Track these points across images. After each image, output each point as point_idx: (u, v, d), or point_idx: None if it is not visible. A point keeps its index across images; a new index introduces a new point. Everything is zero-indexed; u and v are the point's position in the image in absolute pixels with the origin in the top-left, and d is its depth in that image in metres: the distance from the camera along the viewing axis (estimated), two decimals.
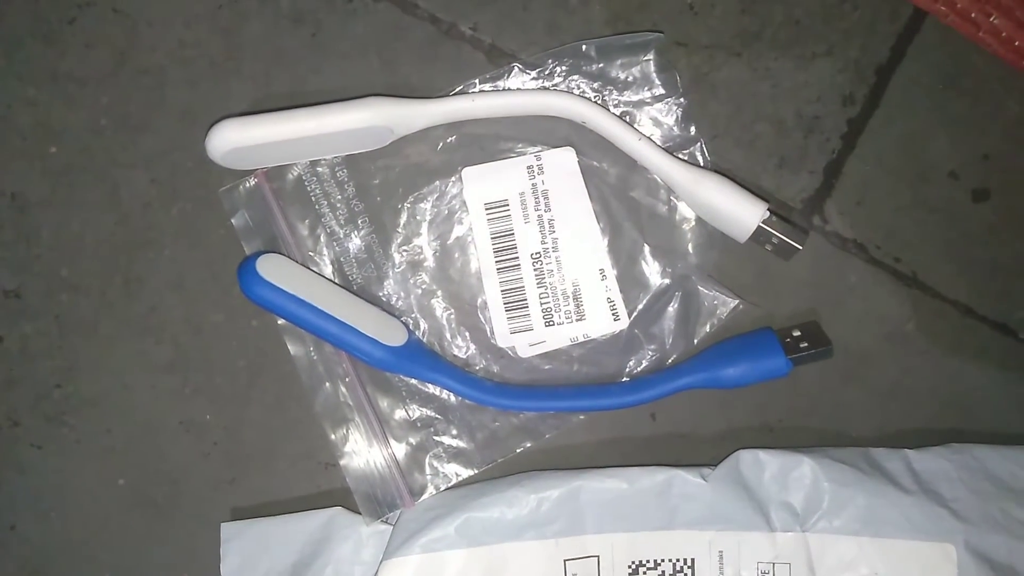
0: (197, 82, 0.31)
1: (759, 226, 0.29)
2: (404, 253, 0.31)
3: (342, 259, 0.31)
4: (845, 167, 0.32)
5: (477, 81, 0.31)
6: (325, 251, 0.31)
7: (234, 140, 0.29)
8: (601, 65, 0.31)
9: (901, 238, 0.32)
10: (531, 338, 0.31)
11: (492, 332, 0.31)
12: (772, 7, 0.32)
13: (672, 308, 0.31)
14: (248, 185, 0.31)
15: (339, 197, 0.31)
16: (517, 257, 0.31)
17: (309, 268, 0.31)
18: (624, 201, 0.31)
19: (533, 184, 0.31)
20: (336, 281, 0.31)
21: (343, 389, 0.31)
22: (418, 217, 0.31)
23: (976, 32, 0.31)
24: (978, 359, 0.32)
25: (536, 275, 0.31)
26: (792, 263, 0.31)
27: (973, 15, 0.31)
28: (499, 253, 0.31)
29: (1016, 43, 0.31)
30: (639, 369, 0.31)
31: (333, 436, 0.31)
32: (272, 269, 0.29)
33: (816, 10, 0.32)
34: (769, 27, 0.32)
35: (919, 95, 0.32)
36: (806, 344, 0.30)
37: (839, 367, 0.32)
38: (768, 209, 0.29)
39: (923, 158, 0.32)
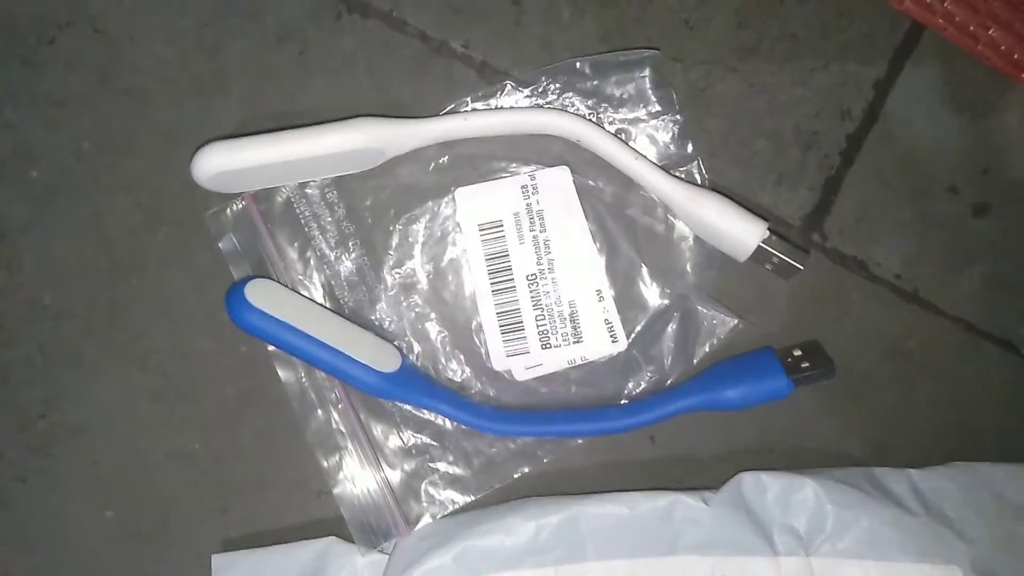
0: (182, 102, 0.31)
1: (759, 246, 0.29)
2: (396, 275, 0.31)
3: (333, 282, 0.31)
4: (844, 183, 0.31)
5: (469, 99, 0.30)
6: (315, 274, 0.31)
7: (220, 164, 0.28)
8: (596, 82, 0.30)
9: (901, 254, 0.32)
10: (527, 361, 0.31)
11: (487, 355, 0.31)
12: (768, 21, 0.31)
13: (671, 328, 0.31)
14: (235, 208, 0.30)
15: (329, 219, 0.31)
16: (512, 279, 0.31)
17: (299, 293, 0.30)
18: (620, 220, 0.31)
19: (528, 204, 0.30)
20: (327, 306, 0.30)
21: (335, 415, 0.31)
22: (410, 239, 0.31)
23: (975, 45, 0.31)
24: (981, 376, 0.32)
25: (532, 297, 0.31)
26: (792, 281, 0.30)
27: (971, 28, 0.31)
28: (494, 275, 0.31)
29: (1015, 56, 0.31)
30: (638, 391, 0.31)
31: (326, 464, 0.31)
32: (261, 295, 0.28)
33: (813, 24, 0.31)
34: (766, 42, 0.31)
35: (918, 109, 0.31)
36: (807, 364, 0.30)
37: (840, 385, 0.32)
38: (768, 228, 0.29)
39: (923, 173, 0.32)
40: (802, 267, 0.29)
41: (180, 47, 0.31)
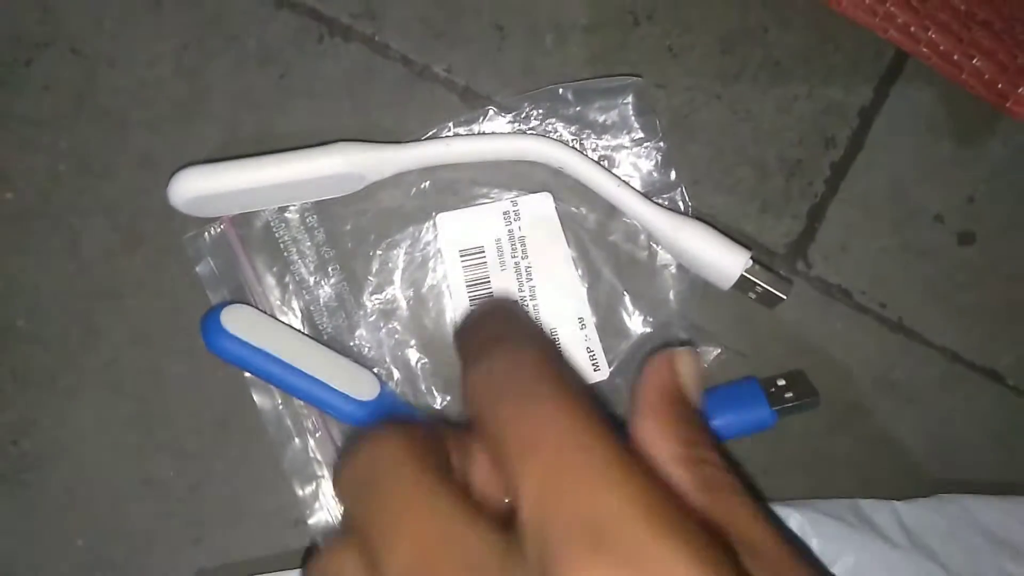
0: (160, 125, 0.30)
1: (742, 275, 0.28)
2: (376, 301, 0.30)
3: (312, 307, 0.30)
4: (828, 211, 0.31)
5: (451, 124, 0.30)
6: (294, 300, 0.30)
7: (198, 188, 0.28)
8: (579, 108, 0.30)
9: (886, 283, 0.31)
10: None
11: None
12: (752, 48, 0.31)
13: None
14: (213, 232, 0.30)
15: (308, 244, 0.30)
16: None
17: (277, 319, 0.30)
18: (603, 247, 0.30)
19: (510, 231, 0.30)
20: (305, 331, 0.30)
21: (312, 444, 0.30)
22: (391, 264, 0.30)
23: (959, 74, 0.31)
24: (966, 405, 0.32)
25: None
26: (776, 309, 0.30)
27: (955, 57, 0.31)
28: (475, 302, 0.30)
29: (999, 85, 0.31)
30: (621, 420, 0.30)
31: (302, 493, 0.30)
32: (237, 321, 0.28)
33: (797, 51, 0.31)
34: (749, 68, 0.31)
35: (903, 137, 0.31)
36: (791, 394, 0.29)
37: (824, 414, 0.31)
38: (751, 258, 0.28)
39: (908, 201, 0.31)
40: (785, 297, 0.29)
41: (159, 70, 0.30)
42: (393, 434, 0.16)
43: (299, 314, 0.30)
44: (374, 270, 0.30)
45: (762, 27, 0.31)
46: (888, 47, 0.31)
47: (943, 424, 0.32)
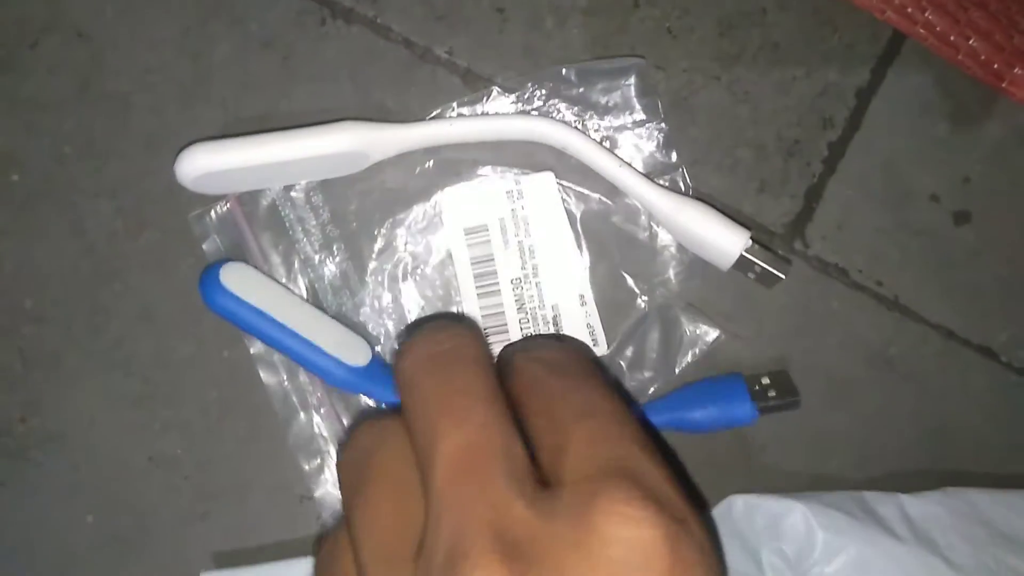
0: (164, 107, 0.31)
1: (742, 255, 0.29)
2: (380, 278, 0.31)
3: (316, 285, 0.31)
4: (826, 191, 0.32)
5: (455, 105, 0.30)
6: (299, 277, 0.31)
7: (205, 165, 0.28)
8: (581, 90, 0.30)
9: (883, 262, 0.32)
10: None
11: None
12: (751, 30, 0.31)
13: (653, 337, 0.31)
14: (220, 210, 0.30)
15: (314, 223, 0.31)
16: (497, 283, 0.31)
17: (276, 280, 0.30)
18: (605, 227, 0.31)
19: (513, 210, 0.30)
20: (305, 297, 0.30)
21: (317, 419, 0.31)
22: (395, 243, 0.31)
23: (955, 55, 0.31)
24: (961, 382, 0.32)
25: (516, 300, 0.31)
26: (774, 288, 0.30)
27: (952, 38, 0.31)
28: (479, 279, 0.31)
29: (995, 66, 0.31)
30: None
31: (308, 468, 0.30)
32: (236, 279, 0.28)
33: (795, 33, 0.31)
34: (748, 50, 0.31)
35: (900, 118, 0.32)
36: (774, 394, 0.30)
37: (822, 393, 0.32)
38: (751, 238, 0.29)
39: (904, 181, 0.32)
40: (784, 276, 0.29)
41: (162, 52, 0.31)
42: (464, 328, 0.20)
43: (304, 291, 0.31)
44: (377, 249, 0.31)
45: (761, 9, 0.31)
46: (885, 28, 0.31)
47: (937, 400, 0.32)
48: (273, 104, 0.31)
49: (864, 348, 0.32)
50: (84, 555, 0.31)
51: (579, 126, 0.30)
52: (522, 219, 0.31)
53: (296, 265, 0.31)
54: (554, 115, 0.30)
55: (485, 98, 0.30)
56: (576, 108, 0.30)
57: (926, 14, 0.31)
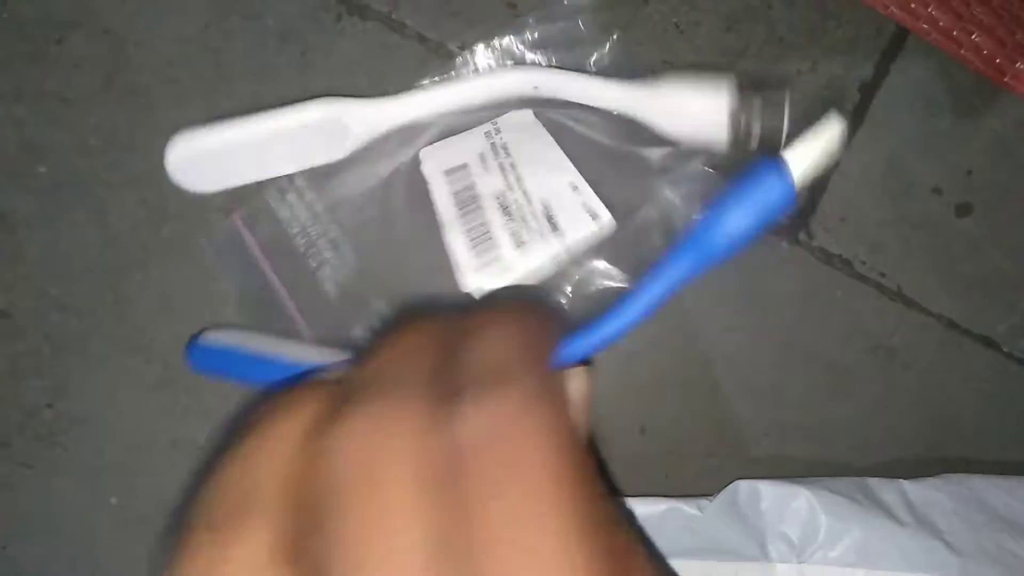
0: (186, 101, 0.32)
1: (731, 108, 0.28)
2: (382, 267, 0.32)
3: (323, 283, 0.31)
4: (830, 183, 0.32)
5: (426, 80, 0.31)
6: (308, 279, 0.31)
7: (188, 148, 0.29)
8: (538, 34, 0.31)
9: (886, 253, 0.32)
10: (500, 268, 0.30)
11: (457, 269, 0.30)
12: (756, 25, 0.32)
13: (655, 229, 0.31)
14: (228, 232, 0.31)
15: (311, 222, 0.32)
16: (478, 200, 0.30)
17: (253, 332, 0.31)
18: (589, 149, 0.31)
19: (492, 143, 0.31)
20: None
21: None
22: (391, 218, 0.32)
23: (958, 50, 0.32)
24: (962, 372, 0.33)
25: (501, 208, 0.30)
26: (778, 278, 0.31)
27: (955, 33, 0.31)
28: (462, 205, 0.31)
29: (997, 60, 0.32)
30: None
31: None
32: (215, 341, 0.29)
33: (799, 28, 0.32)
34: (753, 45, 0.32)
35: (903, 111, 0.32)
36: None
37: (825, 382, 0.32)
38: (734, 76, 0.28)
39: (907, 174, 0.32)
40: (785, 123, 0.28)
41: (184, 48, 0.31)
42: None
43: (319, 296, 0.31)
44: (377, 237, 0.31)
45: (766, 4, 0.32)
46: (889, 23, 0.32)
47: (940, 389, 0.33)
48: (291, 97, 0.31)
49: (867, 338, 0.33)
50: (108, 536, 0.32)
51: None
52: (502, 147, 0.31)
53: (302, 269, 0.31)
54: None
55: (454, 71, 0.31)
56: (540, 51, 0.31)
57: (929, 9, 0.31)
